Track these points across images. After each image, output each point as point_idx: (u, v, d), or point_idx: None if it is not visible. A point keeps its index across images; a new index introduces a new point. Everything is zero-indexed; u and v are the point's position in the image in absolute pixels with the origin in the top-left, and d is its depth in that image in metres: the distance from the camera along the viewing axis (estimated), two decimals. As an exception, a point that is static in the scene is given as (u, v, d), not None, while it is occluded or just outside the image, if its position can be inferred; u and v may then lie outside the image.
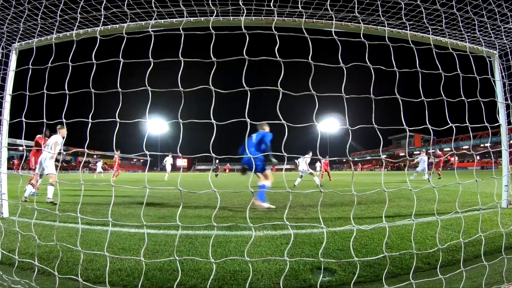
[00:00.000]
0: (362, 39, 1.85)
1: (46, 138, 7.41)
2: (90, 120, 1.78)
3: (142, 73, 1.74)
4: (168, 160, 18.46)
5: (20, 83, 2.18)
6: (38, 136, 7.88)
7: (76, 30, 3.70)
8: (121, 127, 1.76)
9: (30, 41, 4.18)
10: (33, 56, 2.17)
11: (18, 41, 4.20)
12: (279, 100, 1.66)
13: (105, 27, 3.62)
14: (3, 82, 4.16)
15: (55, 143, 6.43)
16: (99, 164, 26.13)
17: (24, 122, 2.05)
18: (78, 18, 3.46)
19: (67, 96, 1.86)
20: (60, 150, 7.25)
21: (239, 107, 1.61)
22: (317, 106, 1.66)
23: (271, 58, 1.66)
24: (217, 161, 26.17)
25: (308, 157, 11.06)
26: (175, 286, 1.68)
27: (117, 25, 3.62)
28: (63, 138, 6.74)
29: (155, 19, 3.52)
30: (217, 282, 2.07)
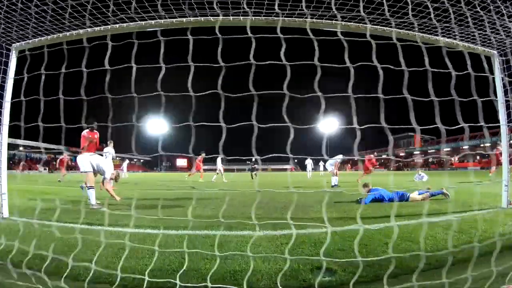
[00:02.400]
0: (369, 38, 1.84)
1: (95, 131, 6.48)
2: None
3: (144, 74, 1.74)
4: (219, 161, 19.13)
5: (19, 84, 2.17)
6: (85, 131, 6.57)
7: (76, 30, 3.70)
8: (127, 126, 1.76)
9: (30, 41, 4.18)
10: (29, 59, 2.17)
11: (18, 41, 4.20)
12: (286, 103, 1.65)
13: (105, 27, 3.62)
14: (3, 83, 4.16)
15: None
16: (125, 164, 26.11)
17: (23, 124, 2.05)
18: (85, 17, 3.46)
19: (63, 98, 1.86)
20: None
21: (243, 107, 1.61)
22: (323, 107, 1.65)
23: (277, 62, 1.65)
24: (254, 160, 25.29)
25: (338, 160, 11.33)
26: (174, 286, 1.68)
27: (117, 25, 3.62)
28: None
29: (154, 18, 3.52)
30: (217, 282, 2.06)
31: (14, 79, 4.15)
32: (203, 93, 1.72)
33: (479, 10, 3.36)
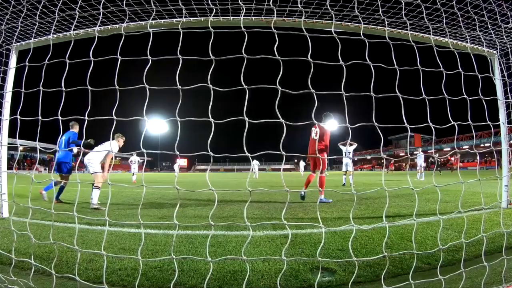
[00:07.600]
0: (362, 37, 1.85)
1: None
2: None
3: (148, 74, 1.73)
4: (301, 164, 19.91)
5: (20, 83, 2.17)
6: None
7: (76, 30, 3.70)
8: (127, 126, 1.76)
9: (30, 41, 4.18)
10: (29, 55, 2.17)
11: (18, 41, 4.20)
12: (278, 98, 1.65)
13: (105, 27, 3.62)
14: (3, 82, 4.16)
15: (109, 155, 5.84)
16: (176, 166, 29.02)
17: (19, 121, 2.04)
18: (92, 17, 3.46)
19: (64, 94, 1.86)
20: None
21: (240, 107, 1.61)
22: (316, 104, 1.65)
23: (271, 56, 1.65)
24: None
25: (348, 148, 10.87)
26: (174, 286, 1.68)
27: (117, 25, 3.62)
28: (119, 147, 6.29)
29: (154, 18, 3.51)
30: (217, 282, 2.07)
31: (13, 80, 4.16)
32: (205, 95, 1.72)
33: (478, 11, 3.36)
